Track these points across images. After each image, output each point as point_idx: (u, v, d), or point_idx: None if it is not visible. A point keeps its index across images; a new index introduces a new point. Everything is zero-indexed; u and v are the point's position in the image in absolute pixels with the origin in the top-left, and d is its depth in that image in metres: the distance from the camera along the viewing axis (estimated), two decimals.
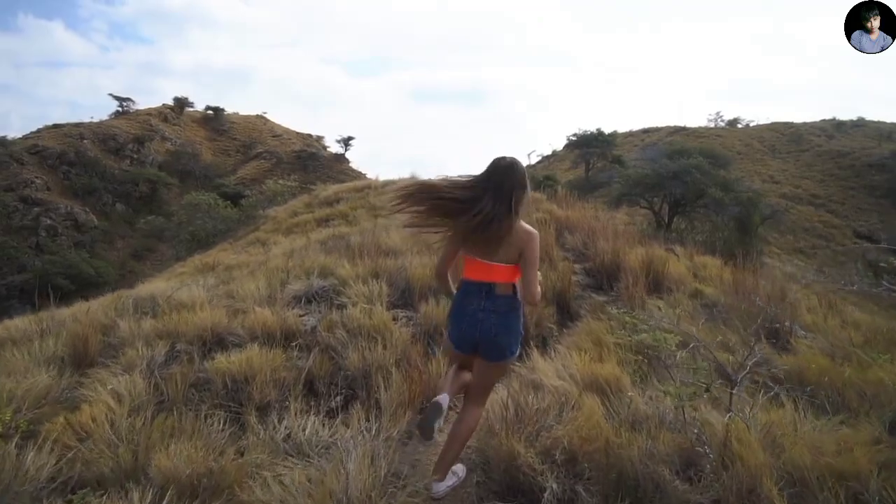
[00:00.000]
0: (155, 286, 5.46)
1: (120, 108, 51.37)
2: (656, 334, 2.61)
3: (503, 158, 2.07)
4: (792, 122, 50.41)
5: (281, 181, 16.83)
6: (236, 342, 3.36)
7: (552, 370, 2.81)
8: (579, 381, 2.64)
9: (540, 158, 53.53)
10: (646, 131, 49.63)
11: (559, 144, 51.53)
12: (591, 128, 40.73)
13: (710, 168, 16.15)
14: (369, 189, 10.88)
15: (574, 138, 42.44)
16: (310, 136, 65.10)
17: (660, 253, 4.95)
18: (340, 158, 59.88)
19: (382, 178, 13.52)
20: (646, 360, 2.92)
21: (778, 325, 3.61)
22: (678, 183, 16.28)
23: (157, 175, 40.58)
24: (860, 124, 47.63)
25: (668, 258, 4.50)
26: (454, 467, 2.18)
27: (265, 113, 64.62)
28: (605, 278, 4.68)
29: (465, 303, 2.11)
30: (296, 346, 3.28)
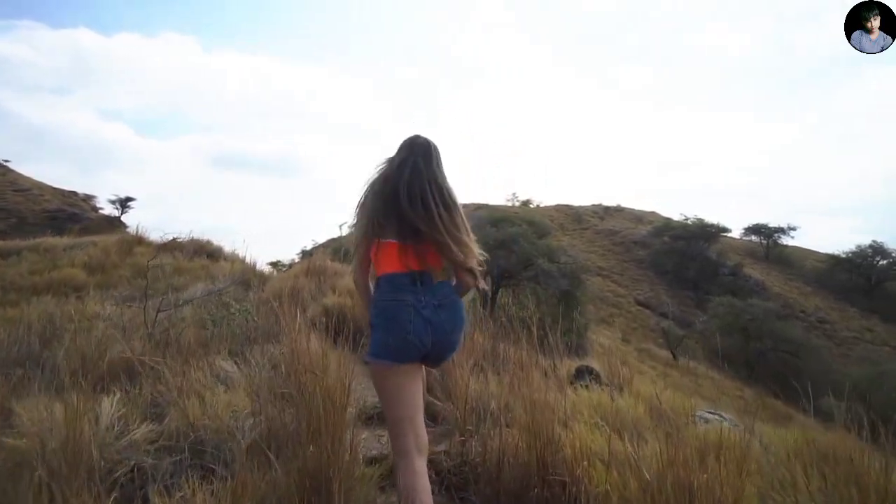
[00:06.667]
0: None
1: None
2: None
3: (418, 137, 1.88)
4: (572, 205, 59.06)
5: None
6: None
7: None
8: None
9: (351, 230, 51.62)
10: None
11: None
12: None
13: (535, 237, 15.59)
14: (76, 249, 6.50)
15: None
16: (74, 193, 52.26)
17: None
18: (115, 222, 49.39)
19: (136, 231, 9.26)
20: None
21: None
22: (505, 252, 15.31)
23: None
24: (620, 209, 58.03)
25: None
26: None
27: (7, 161, 49.37)
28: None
29: (398, 302, 1.63)
30: None
